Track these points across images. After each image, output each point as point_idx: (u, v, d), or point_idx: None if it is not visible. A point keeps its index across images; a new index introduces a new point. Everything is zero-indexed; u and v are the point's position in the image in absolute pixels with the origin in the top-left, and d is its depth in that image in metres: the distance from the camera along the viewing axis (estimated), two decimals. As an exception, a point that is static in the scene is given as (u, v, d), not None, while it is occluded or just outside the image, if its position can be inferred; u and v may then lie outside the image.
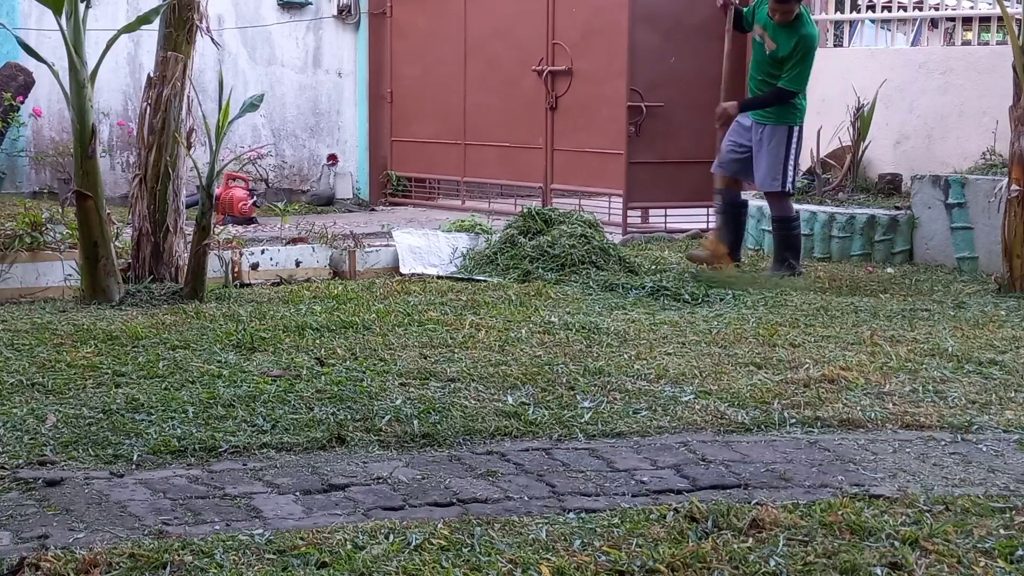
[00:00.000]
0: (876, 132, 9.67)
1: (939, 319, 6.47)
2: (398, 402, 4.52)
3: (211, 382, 4.79)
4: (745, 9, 8.23)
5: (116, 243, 6.98)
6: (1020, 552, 3.17)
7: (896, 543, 3.21)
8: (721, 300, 6.98)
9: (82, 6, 6.58)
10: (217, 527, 3.30)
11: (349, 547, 3.13)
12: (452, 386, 4.80)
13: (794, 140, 8.02)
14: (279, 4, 12.69)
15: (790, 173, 8.02)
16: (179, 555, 3.05)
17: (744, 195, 9.98)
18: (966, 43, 12.21)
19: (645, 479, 3.77)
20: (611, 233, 10.13)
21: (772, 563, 3.08)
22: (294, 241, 8.32)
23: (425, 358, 5.29)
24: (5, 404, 4.46)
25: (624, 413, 4.45)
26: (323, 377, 4.90)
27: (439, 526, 3.30)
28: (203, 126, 7.07)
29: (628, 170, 10.42)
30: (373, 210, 12.56)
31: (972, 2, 10.68)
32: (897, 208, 8.97)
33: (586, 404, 4.56)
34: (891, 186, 9.57)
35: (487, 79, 11.91)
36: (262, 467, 3.82)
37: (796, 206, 9.22)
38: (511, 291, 7.15)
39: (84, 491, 3.57)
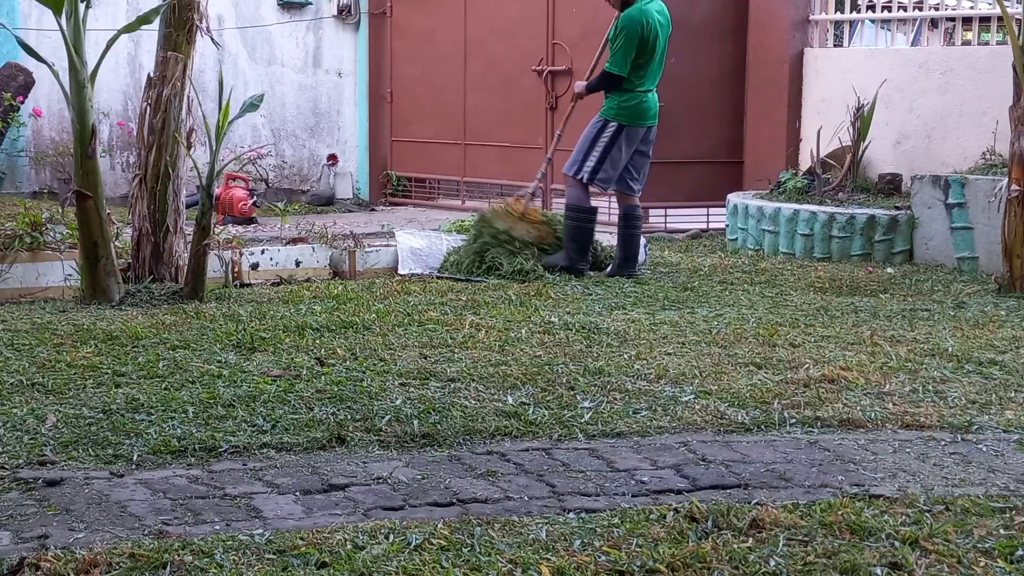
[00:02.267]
0: (876, 132, 9.67)
1: (939, 319, 6.47)
2: (398, 402, 4.52)
3: (211, 382, 4.79)
4: None
5: (116, 243, 6.99)
6: (1020, 552, 3.17)
7: (896, 543, 3.21)
8: (718, 300, 6.99)
9: (82, 6, 6.58)
10: (217, 527, 3.30)
11: (349, 547, 3.13)
12: (452, 386, 4.80)
13: (606, 134, 7.74)
14: (279, 4, 12.70)
15: (589, 163, 7.74)
16: (179, 555, 3.05)
17: (735, 196, 9.99)
18: (966, 43, 12.21)
19: (645, 479, 3.77)
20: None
21: (772, 563, 3.08)
22: (294, 241, 8.32)
23: (425, 358, 5.29)
24: (5, 404, 4.46)
25: (624, 413, 4.45)
26: (323, 377, 4.90)
27: (439, 526, 3.30)
28: (203, 126, 7.07)
29: (628, 170, 10.41)
30: (373, 210, 12.57)
31: (972, 2, 10.67)
32: (897, 208, 8.96)
33: (586, 404, 4.56)
34: (891, 186, 9.57)
35: (487, 79, 11.92)
36: (262, 467, 3.82)
37: (796, 206, 9.25)
38: (511, 291, 7.15)
39: (84, 491, 3.57)
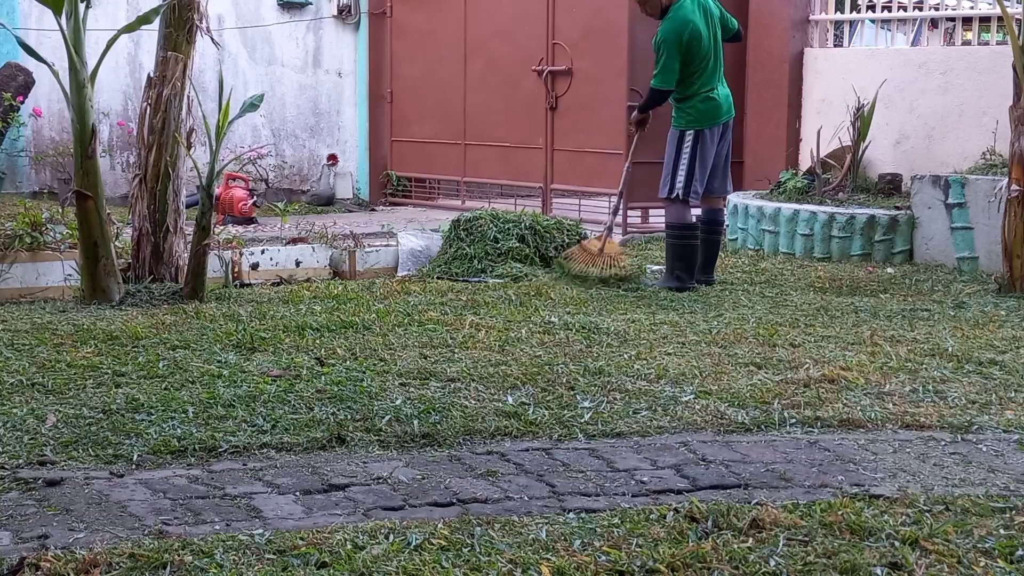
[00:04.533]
0: (876, 132, 9.67)
1: (939, 319, 6.47)
2: (398, 402, 4.52)
3: (211, 382, 4.79)
4: None
5: (116, 243, 6.99)
6: (1020, 552, 3.17)
7: (896, 543, 3.21)
8: (718, 300, 6.98)
9: (82, 6, 6.59)
10: (217, 527, 3.30)
11: (349, 547, 3.13)
12: (452, 386, 4.80)
13: (686, 145, 7.52)
14: (279, 4, 12.70)
15: (680, 178, 7.52)
16: (179, 555, 3.05)
17: (735, 196, 9.99)
18: (966, 43, 12.21)
19: (645, 479, 3.77)
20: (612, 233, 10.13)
21: (772, 563, 3.08)
22: (294, 241, 8.32)
23: (425, 358, 5.29)
24: (5, 404, 4.46)
25: (624, 413, 4.45)
26: (323, 377, 4.90)
27: (439, 526, 3.30)
28: (203, 126, 7.07)
29: (628, 170, 10.42)
30: (373, 210, 12.57)
31: (972, 2, 10.67)
32: (897, 208, 8.96)
33: (586, 404, 4.56)
34: (891, 186, 9.57)
35: (487, 79, 11.92)
36: (262, 467, 3.82)
37: (796, 206, 9.25)
38: (511, 291, 7.15)
39: (84, 491, 3.57)
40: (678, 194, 7.55)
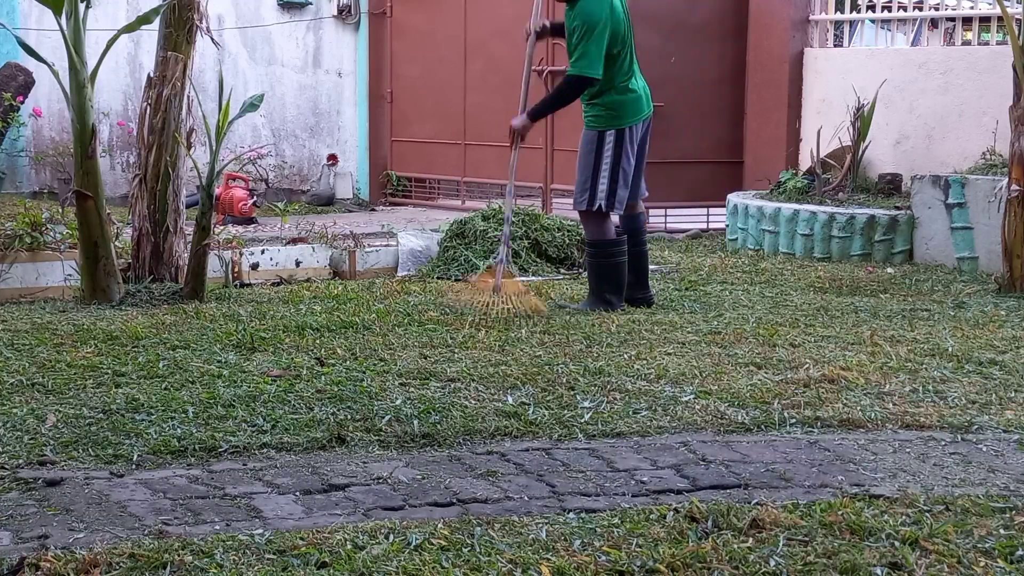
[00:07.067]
0: (876, 132, 9.67)
1: (939, 319, 6.47)
2: (398, 402, 4.52)
3: (211, 382, 4.79)
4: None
5: (116, 243, 6.99)
6: (1020, 552, 3.17)
7: (896, 543, 3.21)
8: (718, 300, 6.98)
9: (82, 6, 6.59)
10: (217, 527, 3.30)
11: (349, 547, 3.13)
12: (452, 386, 4.80)
13: (607, 148, 6.49)
14: (279, 4, 12.70)
15: (601, 187, 6.49)
16: (179, 555, 3.05)
17: (735, 196, 9.99)
18: (966, 43, 12.21)
19: (645, 479, 3.77)
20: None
21: (772, 563, 3.08)
22: (294, 241, 8.32)
23: (425, 358, 5.29)
24: (5, 404, 4.46)
25: (624, 413, 4.45)
26: (323, 377, 4.90)
27: (439, 526, 3.30)
28: (203, 126, 7.07)
29: (628, 170, 10.40)
30: (373, 210, 12.57)
31: (972, 2, 10.68)
32: (897, 208, 8.97)
33: (586, 404, 4.56)
34: (891, 186, 9.57)
35: (487, 79, 11.91)
36: (262, 467, 3.82)
37: (796, 206, 9.24)
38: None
39: (84, 491, 3.57)
40: (600, 206, 6.52)
